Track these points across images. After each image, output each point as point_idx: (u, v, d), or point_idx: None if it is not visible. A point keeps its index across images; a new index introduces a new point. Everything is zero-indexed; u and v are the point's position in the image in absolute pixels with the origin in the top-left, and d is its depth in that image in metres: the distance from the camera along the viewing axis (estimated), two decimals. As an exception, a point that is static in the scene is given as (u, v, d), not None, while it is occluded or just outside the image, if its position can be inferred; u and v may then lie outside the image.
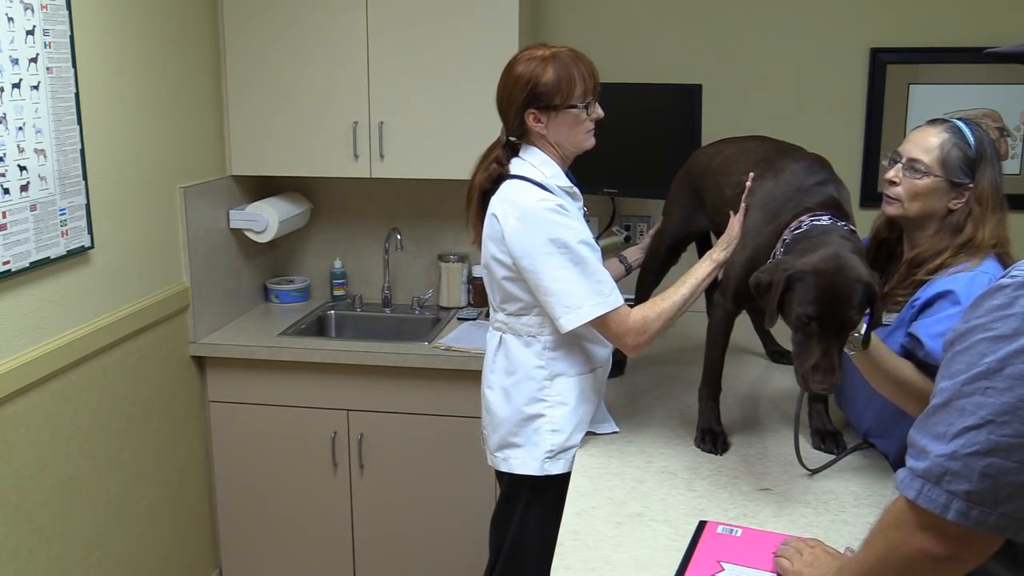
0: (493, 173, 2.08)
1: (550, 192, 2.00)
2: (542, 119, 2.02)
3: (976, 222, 1.85)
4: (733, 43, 3.22)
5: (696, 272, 2.06)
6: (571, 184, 2.11)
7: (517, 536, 2.16)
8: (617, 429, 2.21)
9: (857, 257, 1.72)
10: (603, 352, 2.16)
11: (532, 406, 2.09)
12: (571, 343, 2.09)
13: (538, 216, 1.96)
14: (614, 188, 3.13)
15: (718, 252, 2.07)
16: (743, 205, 2.06)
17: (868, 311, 1.71)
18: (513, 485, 2.16)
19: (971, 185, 1.85)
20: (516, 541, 2.17)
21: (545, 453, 2.09)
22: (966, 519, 1.03)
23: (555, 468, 2.09)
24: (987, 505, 1.02)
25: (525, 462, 2.11)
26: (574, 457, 2.10)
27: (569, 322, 1.97)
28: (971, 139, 1.87)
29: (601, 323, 1.99)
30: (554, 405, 2.09)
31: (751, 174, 2.07)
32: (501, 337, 2.15)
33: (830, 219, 1.85)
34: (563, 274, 1.95)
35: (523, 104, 2.01)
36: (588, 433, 2.17)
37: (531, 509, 2.14)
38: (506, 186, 2.04)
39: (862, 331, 1.74)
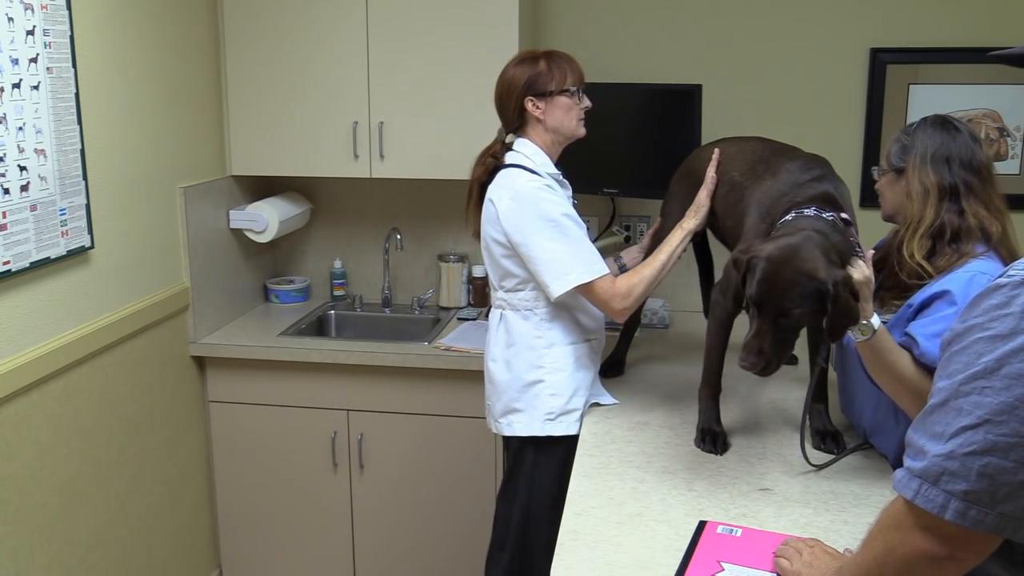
0: (489, 166, 2.29)
1: (539, 176, 2.22)
2: (539, 105, 2.24)
3: (912, 202, 1.87)
4: (733, 43, 3.22)
5: (671, 240, 2.25)
6: (559, 173, 2.31)
7: (526, 501, 2.30)
8: (616, 401, 2.39)
9: (818, 250, 1.73)
10: (596, 325, 2.36)
11: (531, 372, 2.27)
12: (565, 315, 2.28)
13: (528, 195, 2.18)
14: (614, 188, 3.13)
15: (688, 221, 2.26)
16: (712, 177, 2.24)
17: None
18: (519, 449, 2.31)
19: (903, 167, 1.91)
20: (525, 505, 2.30)
21: (545, 415, 2.27)
22: (964, 519, 1.03)
23: (557, 430, 2.26)
24: (985, 505, 1.02)
25: (528, 425, 2.28)
26: (578, 422, 2.28)
27: (558, 288, 2.17)
28: (913, 127, 1.93)
29: (588, 290, 2.19)
30: (552, 371, 2.27)
31: (716, 150, 2.27)
32: (502, 313, 2.34)
33: (815, 211, 1.86)
34: (552, 245, 2.16)
35: (522, 92, 2.24)
36: (593, 405, 2.35)
37: (537, 471, 2.29)
38: (500, 175, 2.26)
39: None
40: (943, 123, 1.90)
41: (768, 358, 1.75)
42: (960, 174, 1.85)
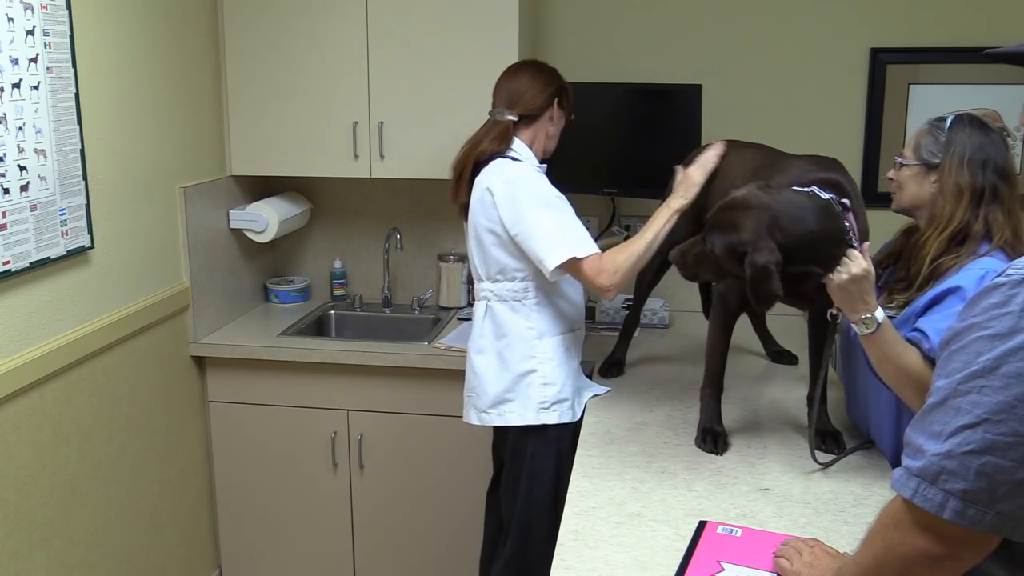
0: (495, 148, 2.33)
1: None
2: (556, 112, 2.39)
3: (944, 201, 1.86)
4: (733, 43, 3.22)
5: (657, 218, 2.25)
6: (544, 167, 2.42)
7: (527, 490, 2.34)
8: (608, 388, 2.49)
9: (764, 226, 1.77)
10: (578, 315, 2.46)
11: (524, 363, 2.33)
12: (551, 305, 2.36)
13: (520, 178, 2.28)
14: (614, 188, 3.13)
15: (675, 200, 2.25)
16: (712, 158, 2.27)
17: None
18: (518, 439, 2.35)
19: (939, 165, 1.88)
20: (527, 495, 2.35)
21: (539, 404, 2.33)
22: (962, 518, 1.03)
23: (551, 418, 2.33)
24: (983, 504, 1.02)
25: (521, 414, 2.33)
26: (571, 410, 2.35)
27: (553, 260, 2.20)
28: (947, 123, 1.90)
29: (578, 268, 2.22)
30: (543, 361, 2.34)
31: (721, 143, 2.32)
32: (487, 305, 2.38)
33: (813, 191, 1.85)
34: (545, 221, 2.23)
35: (556, 92, 2.38)
36: (592, 398, 2.41)
37: (537, 460, 2.34)
38: (493, 164, 2.33)
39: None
40: (981, 124, 1.88)
41: (686, 264, 1.95)
42: (991, 178, 1.84)
